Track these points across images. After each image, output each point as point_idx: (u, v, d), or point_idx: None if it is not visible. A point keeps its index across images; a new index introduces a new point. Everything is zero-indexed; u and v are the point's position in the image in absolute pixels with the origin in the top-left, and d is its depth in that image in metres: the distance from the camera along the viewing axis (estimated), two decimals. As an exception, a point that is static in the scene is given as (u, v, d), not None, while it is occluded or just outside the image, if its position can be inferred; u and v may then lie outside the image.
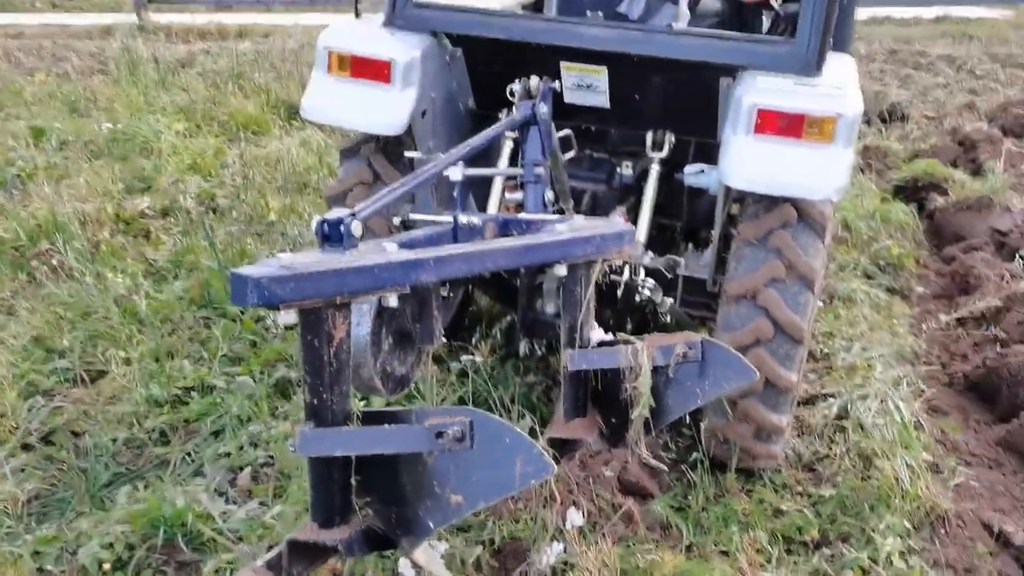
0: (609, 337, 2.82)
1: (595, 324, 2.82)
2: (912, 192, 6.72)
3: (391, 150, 3.71)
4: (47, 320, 4.37)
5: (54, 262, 4.87)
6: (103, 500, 3.54)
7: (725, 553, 3.20)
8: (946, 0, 15.17)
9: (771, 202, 3.23)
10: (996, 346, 4.50)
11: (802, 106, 3.02)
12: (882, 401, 3.87)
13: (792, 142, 3.02)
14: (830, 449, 3.74)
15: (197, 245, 5.34)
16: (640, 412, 2.58)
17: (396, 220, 3.36)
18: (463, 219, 2.70)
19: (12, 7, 16.76)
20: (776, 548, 3.20)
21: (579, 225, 2.66)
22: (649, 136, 3.61)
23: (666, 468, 3.17)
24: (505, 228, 2.98)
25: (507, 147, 3.80)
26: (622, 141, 3.91)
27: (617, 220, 2.85)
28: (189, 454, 3.77)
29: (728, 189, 3.28)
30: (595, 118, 3.68)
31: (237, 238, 5.34)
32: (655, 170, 3.60)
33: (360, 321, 2.55)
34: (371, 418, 2.10)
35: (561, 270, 2.63)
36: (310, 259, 1.94)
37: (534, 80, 3.16)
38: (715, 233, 3.42)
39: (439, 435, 1.89)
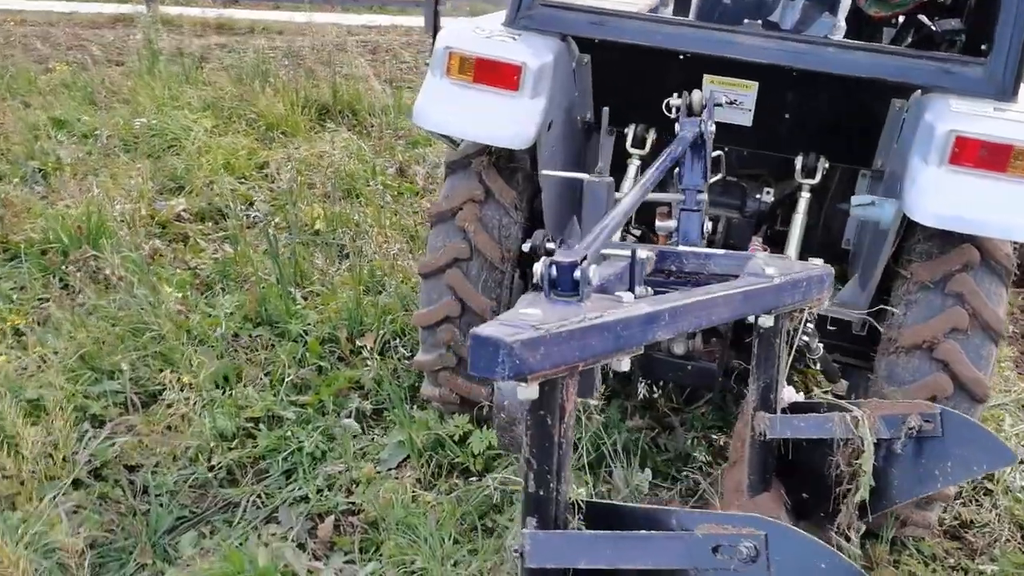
0: (801, 397, 2.44)
1: (785, 383, 2.44)
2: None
3: (503, 165, 3.31)
4: (94, 336, 3.92)
5: (96, 269, 4.42)
6: (166, 549, 3.11)
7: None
8: None
9: (946, 240, 2.87)
10: None
11: (1009, 135, 2.65)
12: (1027, 462, 3.52)
13: (994, 176, 2.66)
14: (978, 515, 3.37)
15: (246, 254, 4.91)
16: (862, 494, 2.19)
17: (526, 247, 2.97)
18: (641, 253, 2.31)
19: (13, -9, 16.19)
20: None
21: (786, 266, 2.27)
22: (799, 160, 3.23)
23: (859, 552, 2.76)
24: (663, 262, 2.60)
25: (632, 167, 3.42)
26: (753, 163, 3.53)
27: (816, 261, 2.47)
28: (259, 496, 3.35)
29: (905, 224, 2.90)
30: (734, 138, 3.30)
31: (291, 249, 4.90)
32: (805, 198, 3.23)
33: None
34: (608, 515, 1.68)
35: (768, 321, 2.24)
36: (551, 314, 1.53)
37: (697, 94, 2.78)
38: (877, 272, 3.04)
39: (716, 550, 1.48)
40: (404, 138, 7.46)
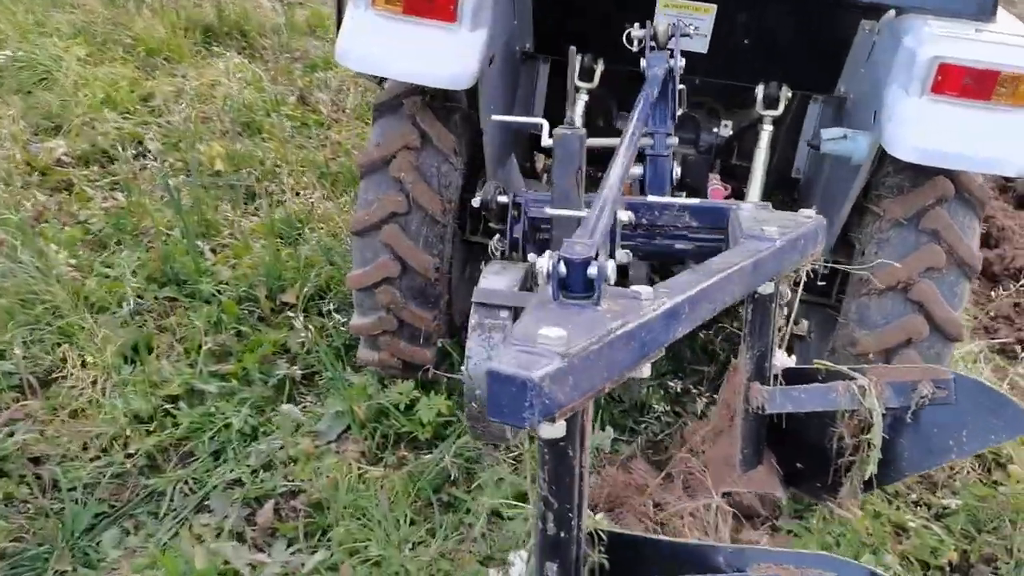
0: (793, 362, 2.26)
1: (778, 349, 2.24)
2: None
3: (438, 106, 2.97)
4: (-23, 312, 3.47)
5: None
6: (86, 552, 2.79)
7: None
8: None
9: (918, 172, 2.71)
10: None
11: (995, 60, 2.46)
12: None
13: (979, 105, 2.48)
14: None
15: (141, 203, 4.44)
16: (870, 468, 2.04)
17: (475, 201, 2.67)
18: (622, 215, 2.05)
19: None
20: (914, 578, 2.79)
21: (779, 220, 2.04)
22: (760, 90, 3.00)
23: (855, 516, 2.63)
24: (635, 216, 2.36)
25: (580, 101, 3.13)
26: (702, 93, 3.28)
27: (807, 212, 2.25)
28: (186, 482, 3.04)
29: (881, 159, 2.72)
30: (687, 67, 3.03)
31: (193, 195, 4.44)
32: (768, 131, 3.01)
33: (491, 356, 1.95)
34: (634, 548, 1.46)
35: (767, 287, 2.03)
36: (573, 329, 1.25)
37: (662, 23, 2.49)
38: (845, 209, 2.86)
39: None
40: (301, 60, 6.92)
